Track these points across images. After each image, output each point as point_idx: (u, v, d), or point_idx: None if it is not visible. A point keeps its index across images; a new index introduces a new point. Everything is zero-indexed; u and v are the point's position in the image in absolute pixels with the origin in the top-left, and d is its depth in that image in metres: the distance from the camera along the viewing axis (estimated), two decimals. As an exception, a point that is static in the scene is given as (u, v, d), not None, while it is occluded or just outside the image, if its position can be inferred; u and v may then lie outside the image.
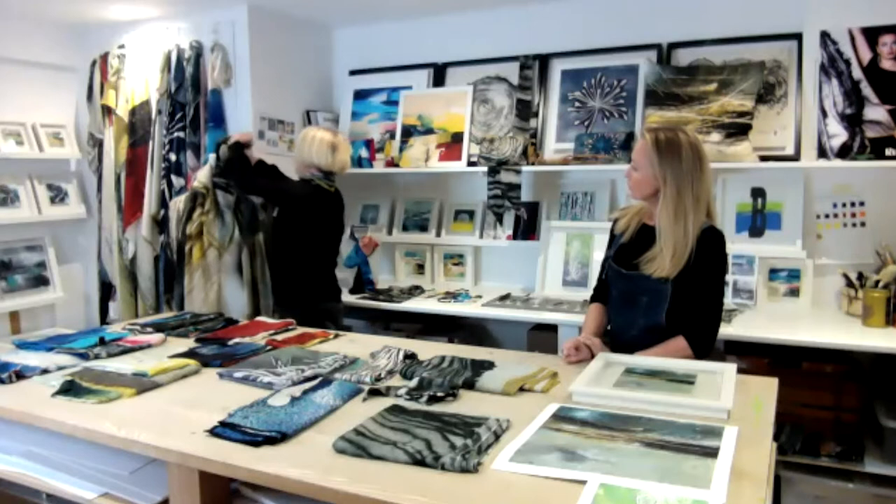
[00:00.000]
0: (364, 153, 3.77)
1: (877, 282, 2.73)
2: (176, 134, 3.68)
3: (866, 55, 2.83)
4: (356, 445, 1.42)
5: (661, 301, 2.08)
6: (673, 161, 2.04)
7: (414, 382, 1.81)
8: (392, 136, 3.84)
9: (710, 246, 2.06)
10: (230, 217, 3.30)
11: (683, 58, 3.27)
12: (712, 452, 1.36)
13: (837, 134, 2.86)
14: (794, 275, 3.02)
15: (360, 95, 4.02)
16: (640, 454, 1.37)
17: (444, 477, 1.30)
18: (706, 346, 2.08)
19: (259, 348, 2.25)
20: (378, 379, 1.90)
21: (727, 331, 2.61)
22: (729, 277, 3.04)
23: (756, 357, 2.68)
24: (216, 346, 2.28)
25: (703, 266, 2.04)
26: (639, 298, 2.13)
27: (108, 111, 3.90)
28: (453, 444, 1.42)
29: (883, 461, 2.56)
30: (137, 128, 3.84)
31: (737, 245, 3.07)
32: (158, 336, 2.41)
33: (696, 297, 2.06)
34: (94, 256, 4.06)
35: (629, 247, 2.19)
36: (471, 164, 3.57)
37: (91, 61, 3.96)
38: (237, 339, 2.35)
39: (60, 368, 2.06)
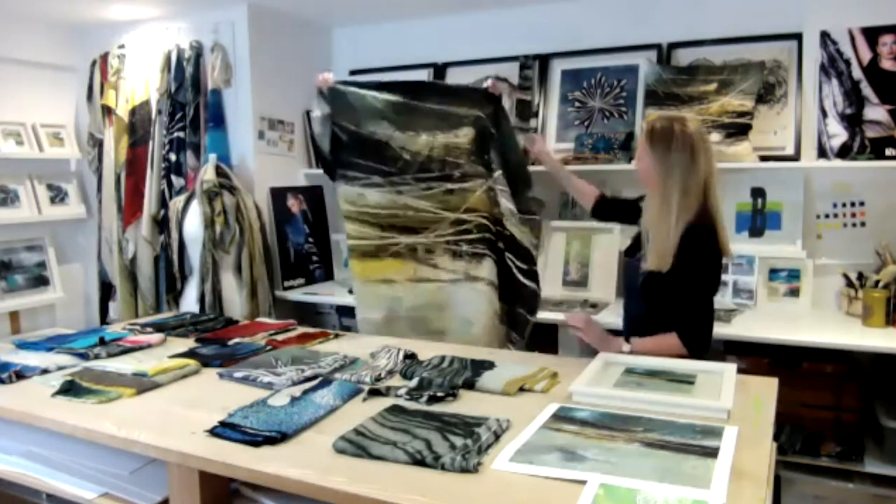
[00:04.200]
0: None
1: (877, 282, 2.73)
2: (176, 134, 3.68)
3: (866, 55, 2.83)
4: (356, 445, 1.42)
5: (647, 293, 2.10)
6: (663, 151, 2.01)
7: (414, 382, 1.81)
8: (392, 136, 3.83)
9: (691, 243, 1.99)
10: (233, 218, 3.31)
11: (683, 58, 3.27)
12: (712, 452, 1.36)
13: (837, 134, 2.86)
14: (794, 275, 3.02)
15: (360, 95, 4.02)
16: (640, 454, 1.37)
17: (444, 477, 1.30)
18: (698, 345, 2.04)
19: (259, 348, 2.25)
20: (378, 379, 1.90)
21: (727, 331, 2.61)
22: (729, 277, 3.04)
23: (756, 357, 2.68)
24: (216, 346, 2.28)
25: (684, 263, 1.99)
26: (634, 287, 2.17)
27: (108, 111, 3.90)
28: (453, 444, 1.42)
29: (883, 461, 2.56)
30: (137, 128, 3.83)
31: (737, 245, 3.04)
32: (158, 336, 2.41)
33: (680, 295, 2.03)
34: (94, 256, 4.06)
35: (638, 236, 2.21)
36: (471, 164, 3.56)
37: (91, 61, 3.96)
38: (237, 339, 2.35)
39: (60, 368, 2.06)
